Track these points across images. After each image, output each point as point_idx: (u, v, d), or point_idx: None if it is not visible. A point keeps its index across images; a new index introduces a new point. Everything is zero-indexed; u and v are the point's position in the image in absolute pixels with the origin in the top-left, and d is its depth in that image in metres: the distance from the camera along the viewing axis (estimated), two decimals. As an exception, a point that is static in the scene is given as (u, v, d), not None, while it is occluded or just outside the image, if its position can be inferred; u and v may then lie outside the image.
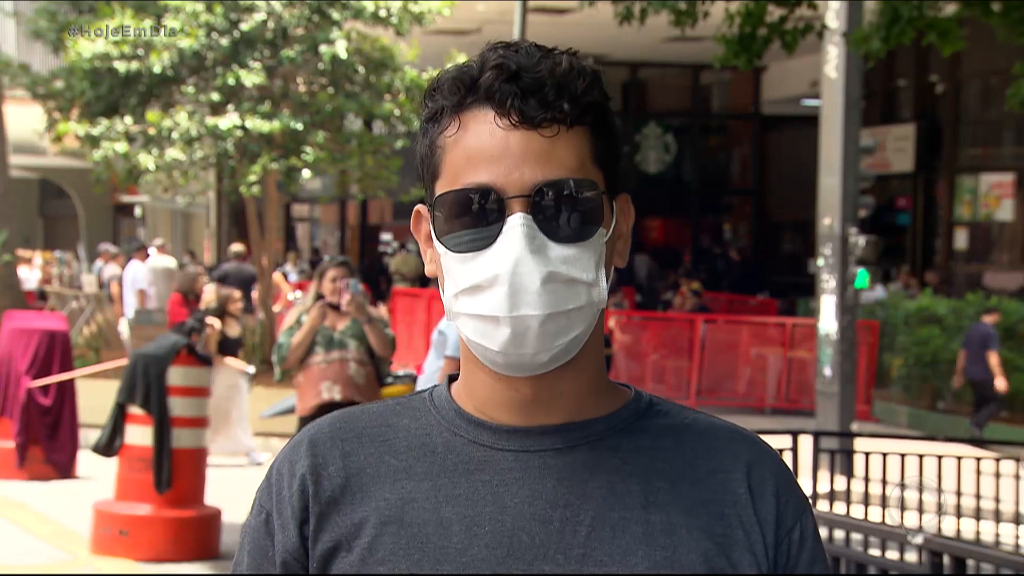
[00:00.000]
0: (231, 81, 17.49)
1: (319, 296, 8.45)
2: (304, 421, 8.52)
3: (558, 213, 1.56)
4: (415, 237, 1.69)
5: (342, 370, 8.28)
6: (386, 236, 32.31)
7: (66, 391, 12.07)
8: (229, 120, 17.52)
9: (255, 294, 20.13)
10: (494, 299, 1.54)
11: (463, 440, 1.62)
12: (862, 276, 13.44)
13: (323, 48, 17.71)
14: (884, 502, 8.89)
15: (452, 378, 1.70)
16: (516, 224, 1.54)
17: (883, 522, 8.13)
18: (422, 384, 8.73)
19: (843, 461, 10.39)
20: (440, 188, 1.60)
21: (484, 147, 1.57)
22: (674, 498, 1.59)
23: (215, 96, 17.86)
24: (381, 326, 8.44)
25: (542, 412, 1.61)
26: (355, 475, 1.62)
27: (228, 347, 12.54)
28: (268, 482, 1.66)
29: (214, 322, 12.10)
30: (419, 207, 1.68)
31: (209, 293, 14.05)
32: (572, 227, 1.56)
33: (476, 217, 1.56)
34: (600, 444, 1.61)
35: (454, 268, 1.58)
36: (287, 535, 1.62)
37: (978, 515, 8.81)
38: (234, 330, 12.69)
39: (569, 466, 1.59)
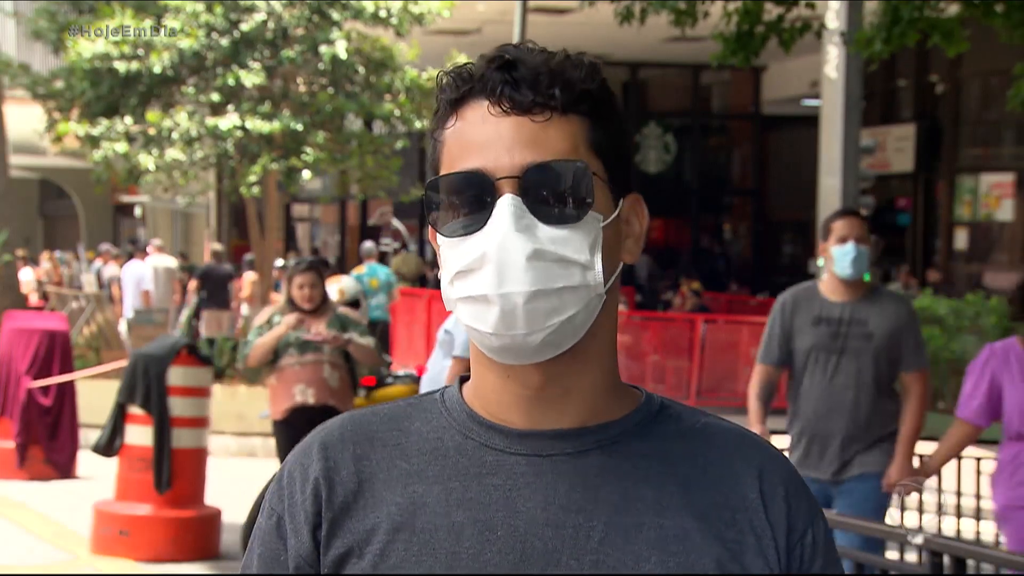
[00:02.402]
0: (231, 81, 17.50)
1: (290, 301, 8.43)
2: (277, 425, 8.44)
3: (548, 195, 1.55)
4: (431, 243, 1.68)
5: (316, 373, 8.27)
6: (386, 239, 32.27)
7: (66, 391, 12.07)
8: (229, 120, 17.53)
9: (241, 292, 20.21)
10: (483, 278, 1.54)
11: (475, 443, 1.60)
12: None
13: (323, 48, 17.72)
14: (884, 502, 8.85)
15: (464, 379, 1.68)
16: (504, 205, 1.54)
17: (883, 522, 8.11)
18: (426, 384, 8.67)
19: (843, 461, 10.36)
20: None
21: (477, 135, 1.58)
22: (687, 503, 1.57)
23: (215, 96, 17.87)
24: (359, 338, 8.37)
25: (553, 412, 1.60)
26: (367, 480, 1.60)
27: None
28: (279, 485, 1.65)
29: None
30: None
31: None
32: (562, 209, 1.56)
33: (468, 202, 1.56)
34: (613, 448, 1.60)
35: (448, 254, 1.58)
36: (300, 540, 1.61)
37: (978, 515, 8.77)
38: None
39: (582, 471, 1.58)
